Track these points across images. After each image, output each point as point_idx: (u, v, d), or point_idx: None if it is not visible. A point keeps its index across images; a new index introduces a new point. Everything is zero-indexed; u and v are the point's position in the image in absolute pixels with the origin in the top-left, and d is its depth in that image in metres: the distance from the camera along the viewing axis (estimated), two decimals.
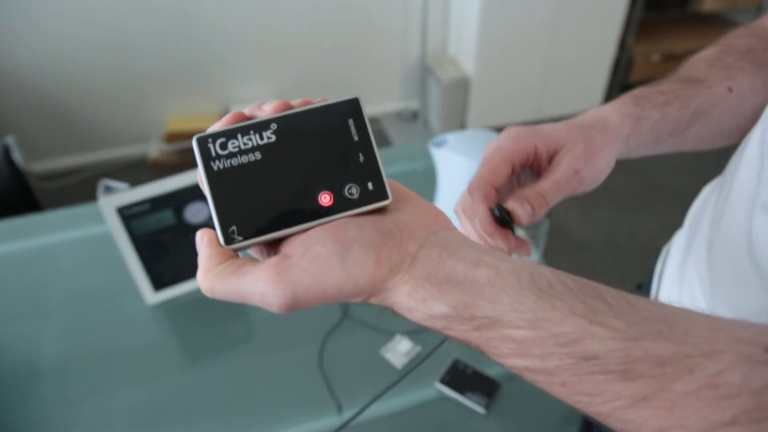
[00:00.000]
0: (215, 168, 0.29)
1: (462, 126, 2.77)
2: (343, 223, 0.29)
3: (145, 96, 2.50)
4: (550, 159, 0.43)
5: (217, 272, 0.28)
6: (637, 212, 2.33)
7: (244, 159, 0.29)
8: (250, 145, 0.30)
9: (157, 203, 0.92)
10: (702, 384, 0.23)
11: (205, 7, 2.34)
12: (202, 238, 0.30)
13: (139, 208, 0.91)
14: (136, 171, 2.53)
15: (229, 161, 0.29)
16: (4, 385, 0.89)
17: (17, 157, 1.83)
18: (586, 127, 0.43)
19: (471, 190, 0.41)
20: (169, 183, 0.92)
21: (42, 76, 2.31)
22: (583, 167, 0.41)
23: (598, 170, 0.43)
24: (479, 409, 0.81)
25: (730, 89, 0.47)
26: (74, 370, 0.91)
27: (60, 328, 0.97)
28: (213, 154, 0.29)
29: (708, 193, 0.56)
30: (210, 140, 0.29)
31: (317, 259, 0.27)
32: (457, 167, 0.97)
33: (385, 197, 0.30)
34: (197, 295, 1.01)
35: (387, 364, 0.88)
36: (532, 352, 0.26)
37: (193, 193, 0.94)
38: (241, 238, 0.29)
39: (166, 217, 0.94)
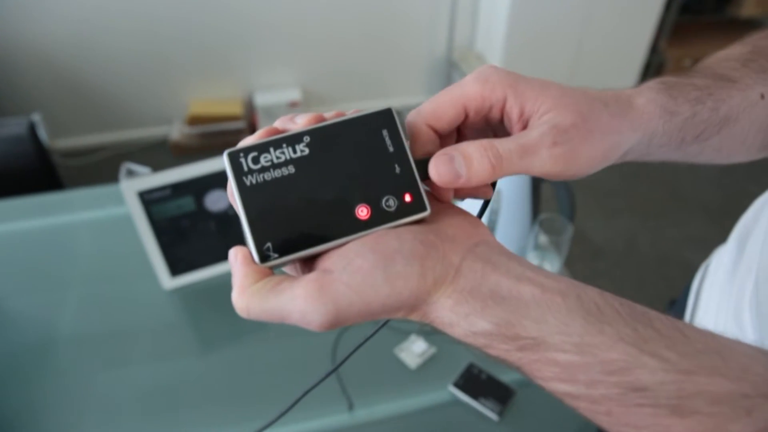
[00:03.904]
0: (248, 183, 0.28)
1: None
2: (382, 234, 0.28)
3: (168, 78, 2.51)
4: (525, 123, 0.31)
5: (253, 291, 0.27)
6: (659, 221, 2.28)
7: (277, 173, 0.29)
8: (283, 158, 0.29)
9: (178, 189, 0.92)
10: (761, 427, 0.22)
11: None
12: (236, 255, 0.28)
13: (160, 193, 0.90)
14: (158, 152, 2.55)
15: (261, 176, 0.28)
16: (21, 355, 0.90)
17: (42, 133, 1.85)
18: (593, 101, 0.31)
19: (408, 125, 0.32)
20: (190, 169, 0.92)
21: (68, 54, 2.33)
22: (565, 144, 0.29)
23: (588, 158, 0.30)
24: (492, 416, 0.79)
25: (762, 96, 0.39)
26: (89, 346, 0.92)
27: (77, 305, 0.98)
28: (245, 168, 0.28)
29: (760, 207, 0.53)
30: (242, 154, 0.29)
31: (359, 273, 0.26)
32: None
33: (424, 209, 0.30)
34: (213, 282, 1.01)
35: (400, 364, 0.87)
36: (578, 379, 0.25)
37: (213, 180, 0.94)
38: (276, 255, 0.28)
39: (187, 203, 0.94)
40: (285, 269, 0.31)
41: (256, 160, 0.29)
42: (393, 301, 0.26)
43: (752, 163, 0.49)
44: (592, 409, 0.25)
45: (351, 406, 0.81)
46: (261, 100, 2.55)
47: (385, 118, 0.30)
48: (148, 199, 0.90)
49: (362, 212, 0.29)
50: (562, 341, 0.25)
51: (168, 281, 0.99)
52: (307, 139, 0.29)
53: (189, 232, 0.96)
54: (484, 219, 1.00)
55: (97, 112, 2.52)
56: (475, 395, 0.81)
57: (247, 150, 0.29)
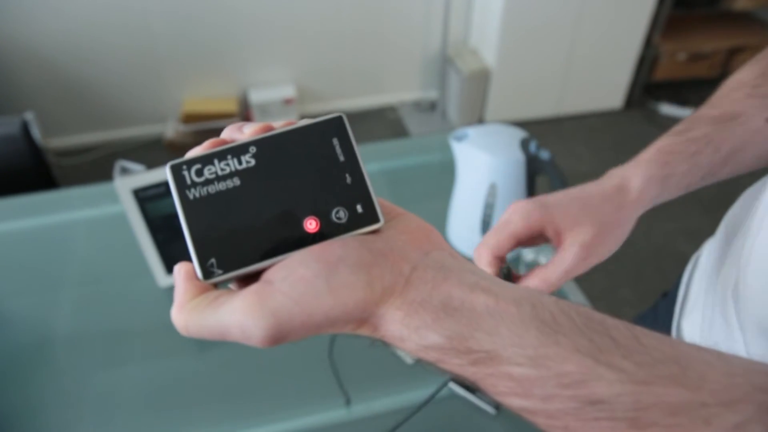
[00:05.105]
0: (191, 196, 0.27)
1: (480, 118, 2.74)
2: (328, 243, 0.27)
3: (163, 76, 2.50)
4: (560, 236, 0.45)
5: (192, 307, 0.26)
6: (654, 214, 2.27)
7: (221, 186, 0.28)
8: (228, 170, 0.28)
9: None
10: None
11: None
12: (179, 271, 0.27)
13: (154, 190, 0.90)
14: (153, 150, 2.54)
15: (205, 188, 0.28)
16: (17, 355, 0.90)
17: (35, 133, 1.84)
18: (602, 203, 0.45)
19: (476, 255, 0.46)
20: None
21: (62, 53, 2.31)
22: (592, 252, 0.44)
23: (609, 247, 0.46)
24: (489, 409, 0.80)
25: (767, 120, 0.45)
26: (85, 345, 0.92)
27: (72, 304, 0.98)
28: (188, 181, 0.28)
29: (749, 199, 0.53)
30: (185, 167, 0.28)
31: (300, 282, 0.25)
32: (477, 163, 0.96)
33: (376, 220, 0.28)
34: None
35: (397, 359, 0.87)
36: (533, 393, 0.24)
37: None
38: (221, 271, 0.27)
39: None
40: (231, 286, 0.29)
41: (199, 173, 0.28)
42: (338, 313, 0.25)
43: None
44: (549, 424, 0.24)
45: (348, 402, 0.82)
46: (256, 97, 2.54)
47: (336, 126, 0.29)
48: (143, 196, 0.90)
49: (311, 225, 0.28)
50: (516, 354, 0.24)
51: (164, 279, 0.99)
52: (253, 149, 0.28)
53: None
54: (479, 215, 1.00)
55: (91, 110, 2.51)
56: (472, 389, 0.82)
57: (190, 162, 0.28)
